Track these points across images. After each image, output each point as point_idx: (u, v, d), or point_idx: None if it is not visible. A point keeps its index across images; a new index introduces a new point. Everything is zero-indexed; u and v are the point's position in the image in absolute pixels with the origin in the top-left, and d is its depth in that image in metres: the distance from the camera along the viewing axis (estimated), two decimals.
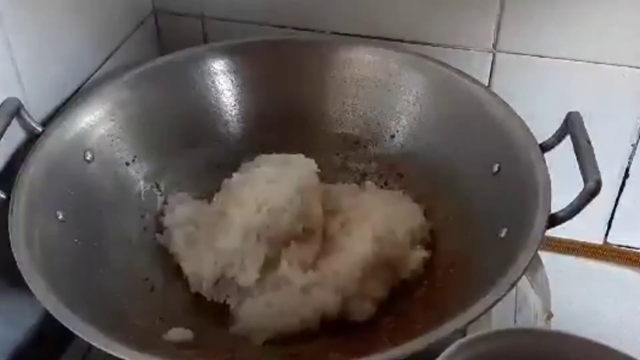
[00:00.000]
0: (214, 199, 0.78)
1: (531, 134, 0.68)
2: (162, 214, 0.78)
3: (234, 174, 0.79)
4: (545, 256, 0.78)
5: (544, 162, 0.65)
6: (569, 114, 0.68)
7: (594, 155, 0.62)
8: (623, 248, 0.96)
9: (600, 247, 0.96)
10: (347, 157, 0.84)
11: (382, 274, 0.71)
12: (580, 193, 0.60)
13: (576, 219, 0.61)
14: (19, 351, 0.72)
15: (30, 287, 0.56)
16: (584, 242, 0.96)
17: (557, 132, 0.68)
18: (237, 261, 0.70)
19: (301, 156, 0.79)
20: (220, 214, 0.74)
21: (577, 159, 0.63)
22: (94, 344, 0.53)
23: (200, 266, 0.72)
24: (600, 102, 0.83)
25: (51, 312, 0.55)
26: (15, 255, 0.58)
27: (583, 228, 0.93)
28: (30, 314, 0.73)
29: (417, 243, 0.73)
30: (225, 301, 0.72)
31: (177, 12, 0.92)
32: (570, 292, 0.89)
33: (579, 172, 0.62)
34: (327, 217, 0.74)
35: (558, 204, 0.62)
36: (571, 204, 0.61)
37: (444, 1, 0.83)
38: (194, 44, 0.85)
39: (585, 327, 0.83)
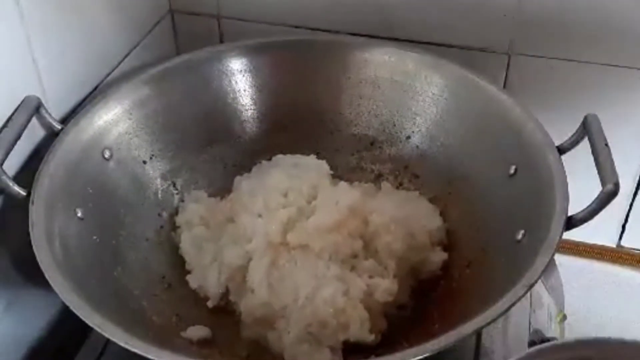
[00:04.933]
0: (226, 200, 0.79)
1: (548, 136, 0.68)
2: (177, 212, 0.78)
3: (246, 175, 0.80)
4: (558, 258, 0.78)
5: (562, 165, 0.65)
6: (587, 117, 0.68)
7: (612, 158, 0.62)
8: (637, 251, 0.96)
9: (614, 250, 0.96)
10: (363, 158, 0.85)
11: (405, 278, 0.71)
12: (598, 195, 0.60)
13: (590, 221, 0.62)
14: (35, 347, 0.72)
15: (51, 284, 0.57)
16: (598, 245, 0.96)
17: (574, 134, 0.68)
18: (241, 279, 0.70)
19: (315, 159, 0.80)
20: (229, 220, 0.75)
21: (595, 161, 0.63)
22: (115, 340, 0.53)
23: (205, 281, 0.72)
24: (615, 105, 0.83)
25: (72, 308, 0.55)
26: (35, 251, 0.59)
27: (597, 231, 0.93)
28: (47, 311, 0.73)
29: (435, 245, 0.74)
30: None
31: (194, 12, 0.92)
32: (584, 295, 0.89)
33: (596, 174, 0.62)
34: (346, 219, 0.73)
35: (575, 206, 0.62)
36: (589, 206, 0.61)
37: (460, 3, 0.83)
38: (210, 44, 0.86)
39: (599, 329, 0.83)
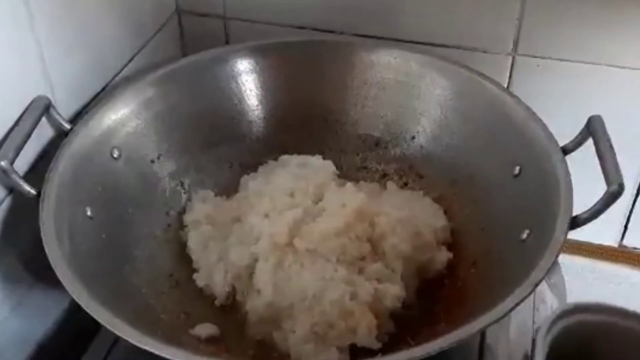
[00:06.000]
0: (233, 199, 0.79)
1: (553, 136, 0.69)
2: (185, 211, 0.79)
3: (253, 175, 0.81)
4: (561, 257, 0.79)
5: (566, 165, 0.66)
6: (591, 118, 0.68)
7: (616, 159, 0.63)
8: (639, 251, 0.96)
9: (616, 249, 0.96)
10: (367, 158, 0.85)
11: (411, 278, 0.71)
12: (603, 196, 0.61)
13: (593, 221, 0.62)
14: (43, 345, 0.73)
15: (62, 282, 0.57)
16: (600, 244, 0.96)
17: (578, 135, 0.69)
18: (247, 279, 0.71)
19: (321, 159, 0.81)
20: (236, 219, 0.75)
21: (600, 162, 0.63)
22: (126, 338, 0.54)
23: (212, 280, 0.72)
24: (618, 105, 0.83)
25: (83, 306, 0.55)
26: (46, 250, 0.59)
27: (599, 230, 0.93)
28: (55, 309, 0.74)
29: (440, 244, 0.74)
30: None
31: (200, 13, 0.93)
32: (586, 294, 0.90)
33: (599, 174, 0.63)
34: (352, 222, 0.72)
35: (579, 206, 0.62)
36: (593, 206, 0.61)
37: (465, 4, 0.83)
38: (216, 45, 0.87)
39: None
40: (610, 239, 0.96)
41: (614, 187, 0.60)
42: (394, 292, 0.68)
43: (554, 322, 0.68)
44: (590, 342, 0.70)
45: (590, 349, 0.71)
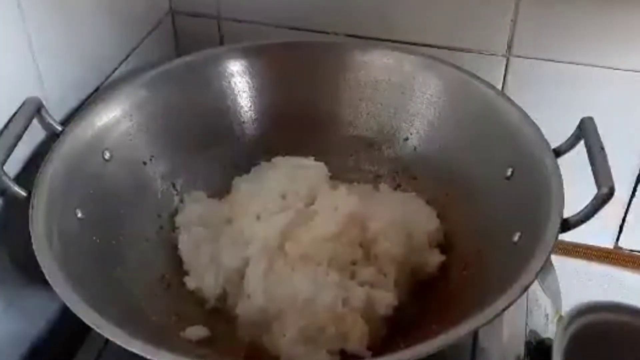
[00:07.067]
0: (225, 201, 0.79)
1: (545, 139, 0.68)
2: (177, 213, 0.79)
3: (245, 176, 0.81)
4: (556, 259, 0.79)
5: (558, 167, 0.65)
6: (583, 120, 0.68)
7: (607, 162, 0.63)
8: (634, 253, 0.96)
9: (611, 251, 0.96)
10: (361, 159, 0.85)
11: (403, 280, 0.71)
12: (593, 199, 0.61)
13: (588, 222, 0.62)
14: (35, 346, 0.73)
15: (51, 284, 0.57)
16: (595, 246, 0.96)
17: (570, 137, 0.69)
18: (238, 281, 0.70)
19: (313, 161, 0.81)
20: (228, 221, 0.75)
21: (591, 164, 0.63)
22: (114, 340, 0.53)
23: (202, 282, 0.72)
24: (613, 107, 0.83)
25: (71, 308, 0.55)
26: (36, 252, 0.59)
27: (594, 232, 0.93)
28: (47, 310, 0.74)
29: (433, 246, 0.74)
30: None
31: (194, 14, 0.93)
32: (581, 296, 0.89)
33: (591, 177, 0.63)
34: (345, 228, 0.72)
35: (570, 208, 0.62)
36: (584, 209, 0.61)
37: (459, 5, 0.83)
38: (210, 46, 0.86)
39: None
40: (605, 241, 0.96)
41: (604, 189, 0.60)
42: (387, 300, 0.67)
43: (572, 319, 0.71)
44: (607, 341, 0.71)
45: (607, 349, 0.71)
